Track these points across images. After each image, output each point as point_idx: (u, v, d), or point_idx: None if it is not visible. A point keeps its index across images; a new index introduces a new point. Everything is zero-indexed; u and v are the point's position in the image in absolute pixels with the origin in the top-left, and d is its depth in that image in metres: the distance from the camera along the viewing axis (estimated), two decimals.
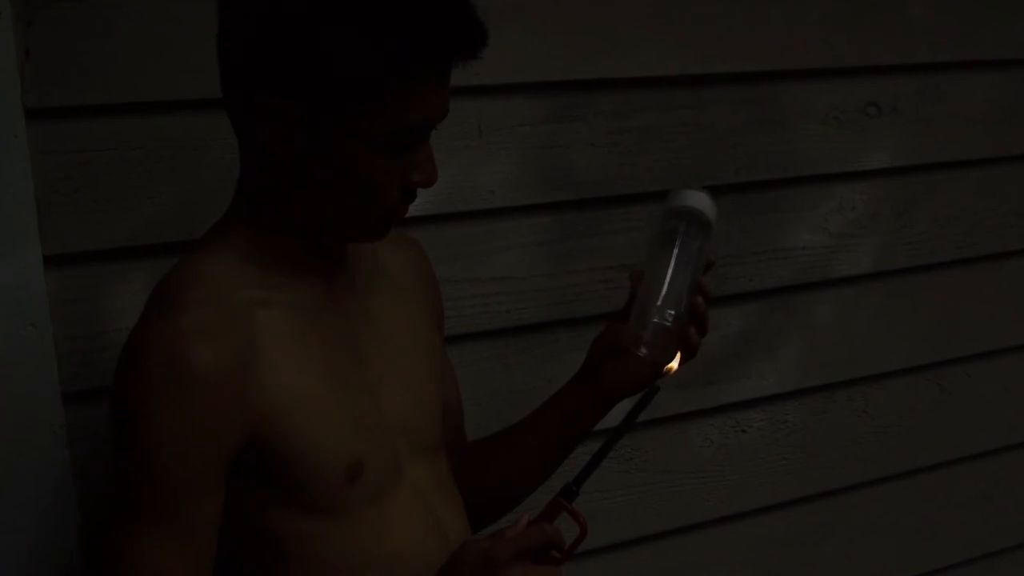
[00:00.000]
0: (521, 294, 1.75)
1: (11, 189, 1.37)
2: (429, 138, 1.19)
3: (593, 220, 1.80)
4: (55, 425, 1.41)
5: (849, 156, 2.00)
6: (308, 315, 1.22)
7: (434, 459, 1.33)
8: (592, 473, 1.25)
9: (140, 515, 1.15)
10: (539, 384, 1.70)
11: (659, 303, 1.27)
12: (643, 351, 1.28)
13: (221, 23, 1.16)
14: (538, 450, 1.44)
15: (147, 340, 1.15)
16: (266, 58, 1.13)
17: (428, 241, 1.46)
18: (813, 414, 2.06)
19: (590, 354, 1.40)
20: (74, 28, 1.40)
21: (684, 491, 1.94)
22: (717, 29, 1.84)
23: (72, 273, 1.44)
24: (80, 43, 1.41)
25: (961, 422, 2.20)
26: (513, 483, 1.46)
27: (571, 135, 1.76)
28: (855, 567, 2.13)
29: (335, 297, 1.26)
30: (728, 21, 1.85)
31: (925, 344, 2.14)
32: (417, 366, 1.34)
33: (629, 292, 1.34)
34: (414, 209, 1.24)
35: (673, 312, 1.27)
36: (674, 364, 1.32)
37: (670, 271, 1.29)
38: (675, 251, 1.30)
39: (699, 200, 1.32)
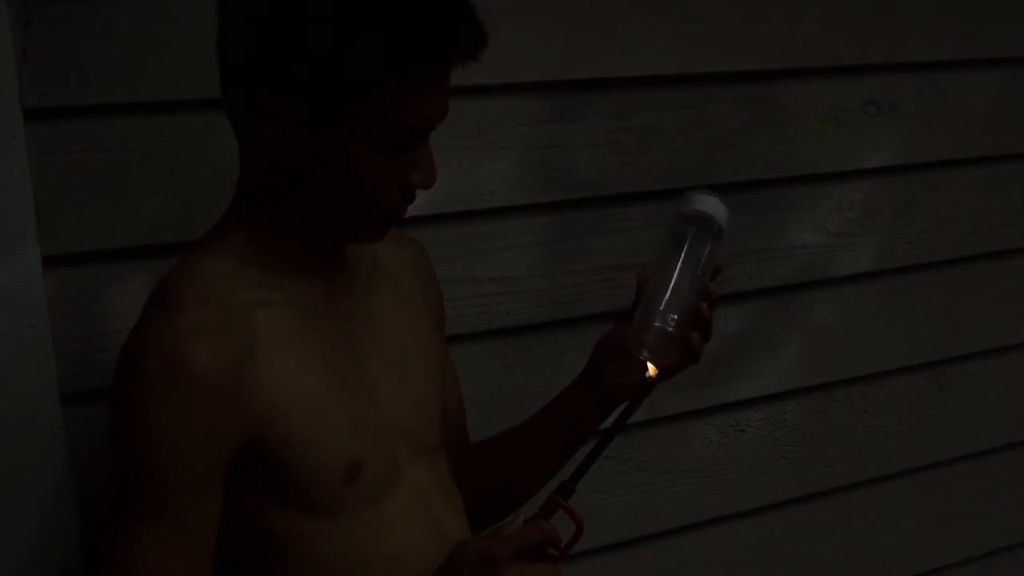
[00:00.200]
0: (520, 294, 1.75)
1: (10, 190, 1.36)
2: (429, 139, 1.19)
3: (592, 220, 1.80)
4: (54, 426, 1.41)
5: (849, 155, 2.00)
6: (307, 315, 1.22)
7: (433, 459, 1.33)
8: (588, 470, 1.25)
9: (140, 515, 1.15)
10: (538, 384, 1.70)
11: (662, 307, 1.27)
12: (644, 354, 1.28)
13: (221, 23, 1.16)
14: (540, 451, 1.44)
15: (146, 341, 1.15)
16: (266, 58, 1.13)
17: (427, 241, 1.46)
18: (813, 413, 2.06)
19: (594, 355, 1.40)
20: (73, 28, 1.40)
21: (684, 491, 1.94)
22: (717, 29, 1.84)
23: (71, 274, 1.43)
24: (79, 43, 1.41)
25: (961, 421, 2.20)
26: (514, 483, 1.46)
27: (570, 135, 1.76)
28: (855, 567, 2.13)
29: (334, 297, 1.26)
30: (728, 21, 1.84)
31: (925, 343, 2.14)
32: (417, 366, 1.34)
33: (635, 293, 1.34)
34: (413, 209, 1.24)
35: (676, 316, 1.27)
36: (651, 369, 1.31)
37: (675, 275, 1.28)
38: (682, 255, 1.29)
39: (711, 204, 1.31)
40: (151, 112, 1.46)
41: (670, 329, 1.27)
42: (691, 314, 1.29)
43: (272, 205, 1.20)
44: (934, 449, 2.18)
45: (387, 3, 1.10)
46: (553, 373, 1.68)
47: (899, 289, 2.09)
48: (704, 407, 1.95)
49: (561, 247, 1.78)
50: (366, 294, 1.30)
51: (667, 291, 1.28)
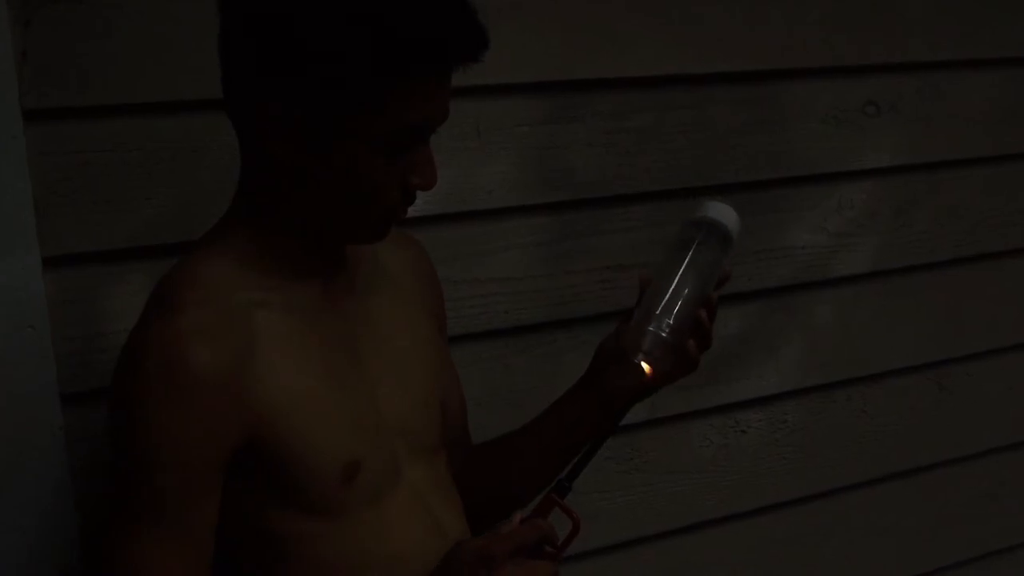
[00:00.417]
0: (520, 294, 1.75)
1: (9, 190, 1.36)
2: (429, 141, 1.19)
3: (591, 220, 1.79)
4: (54, 426, 1.41)
5: (849, 155, 2.00)
6: (307, 316, 1.22)
7: (433, 460, 1.33)
8: (584, 469, 1.25)
9: (139, 515, 1.16)
10: (538, 384, 1.70)
11: (659, 311, 1.27)
12: (639, 358, 1.28)
13: (222, 24, 1.16)
14: (541, 453, 1.43)
15: (146, 341, 1.15)
16: (266, 59, 1.13)
17: (427, 241, 1.46)
18: (813, 414, 2.05)
19: (595, 357, 1.40)
20: (73, 29, 1.40)
21: (684, 491, 1.94)
22: (717, 29, 1.84)
23: (71, 274, 1.43)
24: (79, 44, 1.41)
25: (962, 422, 2.20)
26: (515, 485, 1.46)
27: (569, 135, 1.76)
28: (855, 567, 2.13)
29: (334, 298, 1.26)
30: (728, 21, 1.84)
31: (926, 343, 2.14)
32: (416, 367, 1.34)
33: (638, 293, 1.33)
34: (413, 210, 1.24)
35: (671, 322, 1.26)
36: (647, 370, 1.30)
37: (675, 281, 1.28)
38: (686, 260, 1.29)
39: (721, 212, 1.31)
40: (151, 113, 1.46)
41: (664, 334, 1.26)
42: (689, 320, 1.29)
43: (272, 205, 1.20)
44: (934, 450, 2.18)
45: (387, 4, 1.11)
46: (553, 373, 1.68)
47: (899, 289, 2.09)
48: (704, 408, 1.95)
49: (560, 248, 1.78)
50: (366, 294, 1.30)
51: (664, 296, 1.27)
